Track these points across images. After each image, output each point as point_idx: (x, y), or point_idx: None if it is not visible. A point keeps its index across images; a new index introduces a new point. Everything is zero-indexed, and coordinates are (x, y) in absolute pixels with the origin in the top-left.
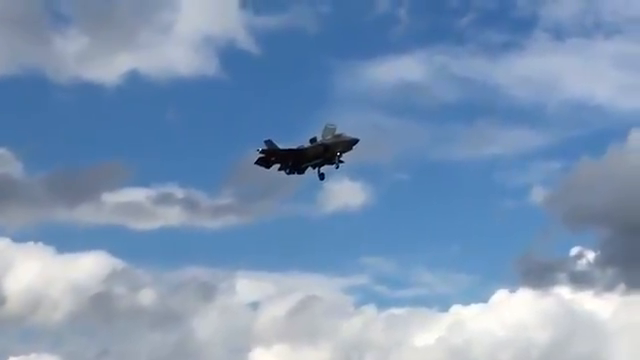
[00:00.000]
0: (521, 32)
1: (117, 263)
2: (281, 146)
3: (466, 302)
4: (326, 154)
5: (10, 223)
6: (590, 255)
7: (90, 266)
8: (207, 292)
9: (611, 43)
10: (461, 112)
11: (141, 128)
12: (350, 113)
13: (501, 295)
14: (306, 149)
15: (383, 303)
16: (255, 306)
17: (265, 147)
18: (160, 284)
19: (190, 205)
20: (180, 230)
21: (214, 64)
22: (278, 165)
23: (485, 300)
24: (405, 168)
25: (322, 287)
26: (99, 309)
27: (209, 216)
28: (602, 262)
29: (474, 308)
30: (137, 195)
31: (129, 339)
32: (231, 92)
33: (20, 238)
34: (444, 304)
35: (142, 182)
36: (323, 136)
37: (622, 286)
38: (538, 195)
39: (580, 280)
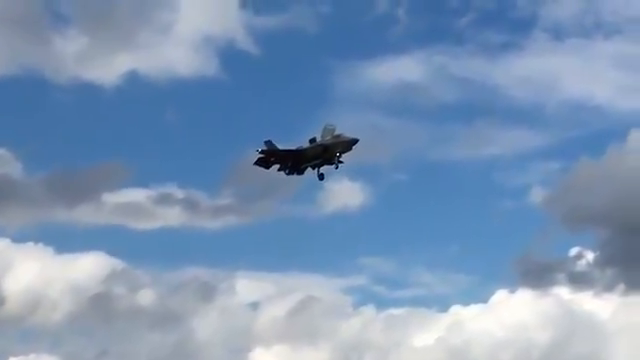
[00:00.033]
0: (520, 32)
1: (117, 263)
2: (281, 146)
3: (465, 302)
4: (325, 154)
5: (10, 223)
6: (589, 255)
7: (89, 266)
8: (207, 292)
9: (611, 43)
10: (460, 112)
11: (141, 128)
12: (349, 113)
13: (500, 295)
14: (305, 149)
15: (382, 303)
16: (255, 306)
17: (265, 147)
18: (160, 284)
19: (190, 205)
20: (180, 230)
21: (214, 64)
22: (277, 165)
23: (484, 300)
24: (404, 168)
25: (321, 287)
26: (99, 309)
27: (209, 216)
28: (601, 262)
29: (473, 308)
30: (137, 195)
31: (129, 339)
32: (231, 92)
33: (19, 238)
34: (443, 304)
35: (142, 182)
36: (322, 136)
37: (621, 286)
38: (537, 195)
39: (579, 280)
